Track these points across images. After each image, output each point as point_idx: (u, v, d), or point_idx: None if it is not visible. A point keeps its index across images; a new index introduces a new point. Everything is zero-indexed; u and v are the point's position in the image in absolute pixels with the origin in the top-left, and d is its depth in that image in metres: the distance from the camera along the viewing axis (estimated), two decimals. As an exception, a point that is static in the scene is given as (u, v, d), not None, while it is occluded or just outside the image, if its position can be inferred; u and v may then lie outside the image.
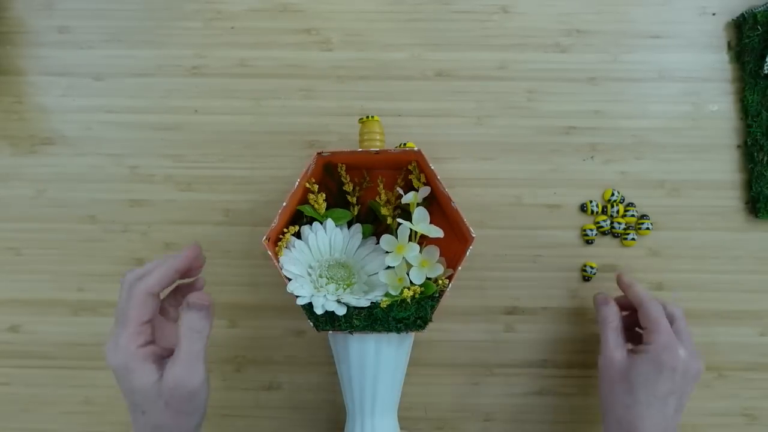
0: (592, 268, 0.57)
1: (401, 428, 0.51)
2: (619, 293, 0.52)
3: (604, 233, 0.58)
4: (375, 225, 0.52)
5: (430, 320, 0.46)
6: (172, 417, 0.33)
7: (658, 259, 0.57)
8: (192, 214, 0.58)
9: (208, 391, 0.38)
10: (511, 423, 0.57)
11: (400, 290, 0.45)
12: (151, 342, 0.34)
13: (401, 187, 0.53)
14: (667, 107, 0.59)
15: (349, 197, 0.52)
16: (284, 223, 0.48)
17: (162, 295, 0.38)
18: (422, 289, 0.45)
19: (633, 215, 0.57)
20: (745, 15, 0.58)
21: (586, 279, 0.57)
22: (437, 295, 0.46)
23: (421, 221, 0.47)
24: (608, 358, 0.43)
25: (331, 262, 0.48)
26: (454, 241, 0.50)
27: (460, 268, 0.45)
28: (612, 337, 0.44)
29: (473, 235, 0.46)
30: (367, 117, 0.53)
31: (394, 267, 0.46)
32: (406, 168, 0.53)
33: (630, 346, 0.46)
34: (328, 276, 0.47)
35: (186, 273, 0.38)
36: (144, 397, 0.33)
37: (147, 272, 0.34)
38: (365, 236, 0.50)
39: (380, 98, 0.59)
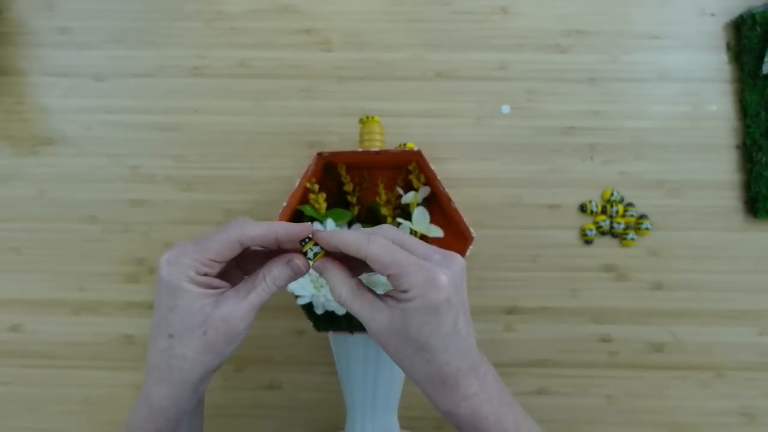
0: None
1: (401, 428, 0.51)
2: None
3: (603, 233, 0.58)
4: (375, 225, 0.52)
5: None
6: (202, 351, 0.32)
7: (657, 259, 0.57)
8: (192, 214, 0.59)
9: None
10: (510, 422, 0.57)
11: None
12: (211, 277, 0.33)
13: (401, 187, 0.53)
14: (667, 108, 0.59)
15: (349, 197, 0.52)
16: (284, 223, 0.48)
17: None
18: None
19: (632, 215, 0.57)
20: (744, 16, 0.58)
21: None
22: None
23: (421, 221, 0.47)
24: (375, 330, 0.34)
25: (332, 262, 0.48)
26: (454, 241, 0.50)
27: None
28: (363, 305, 0.34)
29: (473, 235, 0.46)
30: (367, 117, 0.53)
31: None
32: (406, 168, 0.53)
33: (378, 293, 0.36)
34: (328, 276, 0.47)
35: (284, 245, 0.35)
36: (183, 320, 0.32)
37: (251, 223, 0.33)
38: (365, 236, 0.50)
39: (380, 98, 0.60)
